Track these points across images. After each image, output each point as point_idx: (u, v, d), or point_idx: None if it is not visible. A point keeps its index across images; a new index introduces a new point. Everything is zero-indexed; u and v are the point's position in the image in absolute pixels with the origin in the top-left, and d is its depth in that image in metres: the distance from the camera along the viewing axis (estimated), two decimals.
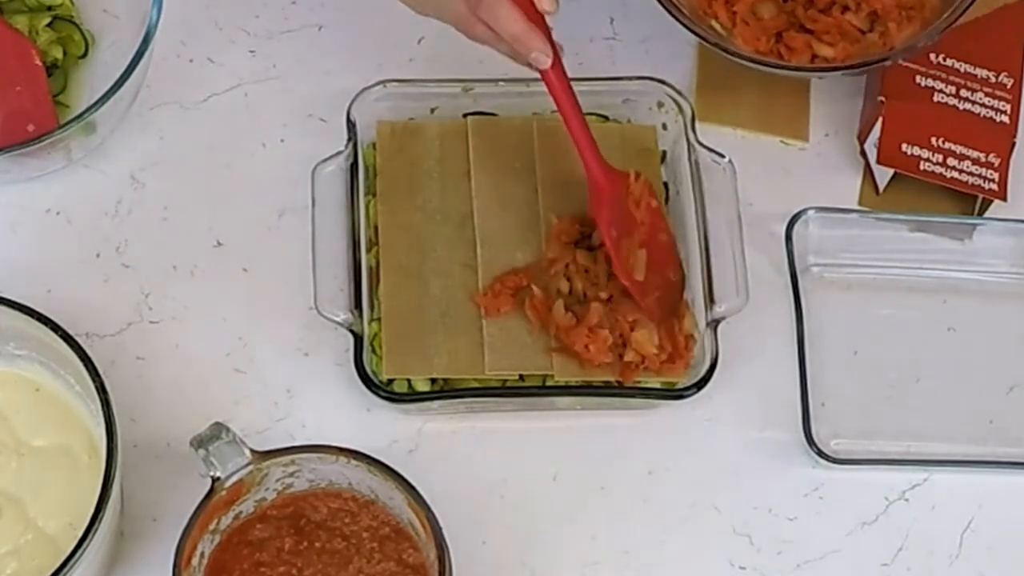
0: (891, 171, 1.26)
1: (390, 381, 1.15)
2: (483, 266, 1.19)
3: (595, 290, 1.17)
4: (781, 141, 1.29)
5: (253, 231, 1.23)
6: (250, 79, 1.28)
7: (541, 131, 1.23)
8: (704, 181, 1.20)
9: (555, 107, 1.14)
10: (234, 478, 1.05)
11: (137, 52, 1.17)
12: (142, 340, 1.19)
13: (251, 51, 1.30)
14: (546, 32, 1.11)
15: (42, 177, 1.23)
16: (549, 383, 1.16)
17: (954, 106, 1.26)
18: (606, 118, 1.25)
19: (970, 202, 1.26)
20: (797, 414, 1.16)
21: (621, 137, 1.24)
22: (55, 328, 1.06)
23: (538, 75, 1.23)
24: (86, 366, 1.05)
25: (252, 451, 1.05)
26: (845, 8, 1.26)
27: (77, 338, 1.06)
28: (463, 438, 1.17)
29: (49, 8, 1.26)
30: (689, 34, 1.25)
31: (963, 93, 1.27)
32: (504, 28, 1.08)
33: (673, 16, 1.23)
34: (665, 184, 1.23)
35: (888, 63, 1.24)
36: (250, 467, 1.05)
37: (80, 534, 1.01)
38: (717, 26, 1.27)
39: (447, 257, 1.19)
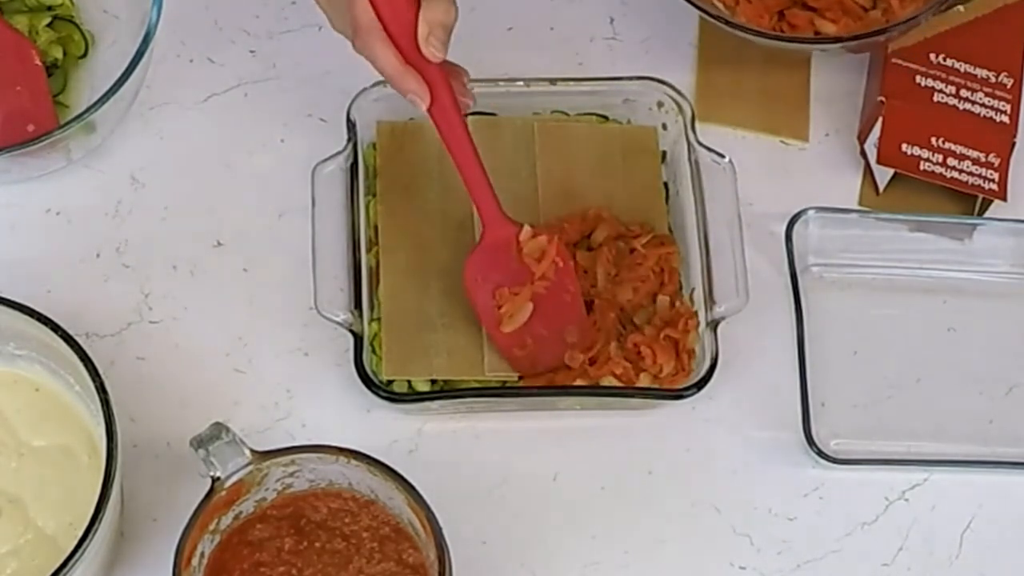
0: (891, 171, 1.26)
1: (390, 381, 1.15)
2: None
3: (594, 292, 1.17)
4: (781, 141, 1.29)
5: (253, 231, 1.23)
6: (250, 79, 1.28)
7: (541, 131, 1.23)
8: (704, 181, 1.20)
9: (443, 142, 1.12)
10: (234, 478, 1.05)
11: (137, 52, 1.17)
12: (142, 340, 1.19)
13: (251, 51, 1.30)
14: (425, 68, 1.08)
15: (42, 177, 1.23)
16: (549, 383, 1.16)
17: (954, 106, 1.26)
18: (606, 118, 1.25)
19: (970, 202, 1.26)
20: (797, 414, 1.16)
21: (621, 138, 1.24)
22: (55, 328, 1.06)
23: (538, 75, 1.24)
24: (86, 366, 1.05)
25: (252, 451, 1.05)
26: None
27: (77, 338, 1.06)
28: (463, 438, 1.17)
29: (49, 8, 1.26)
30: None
31: (963, 93, 1.27)
32: (379, 68, 1.08)
33: None
34: (665, 184, 1.23)
35: (884, 36, 1.24)
36: (250, 467, 1.05)
37: (80, 534, 1.01)
38: (720, 5, 1.26)
39: (447, 257, 1.19)
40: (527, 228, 1.15)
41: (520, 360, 1.16)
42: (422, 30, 1.07)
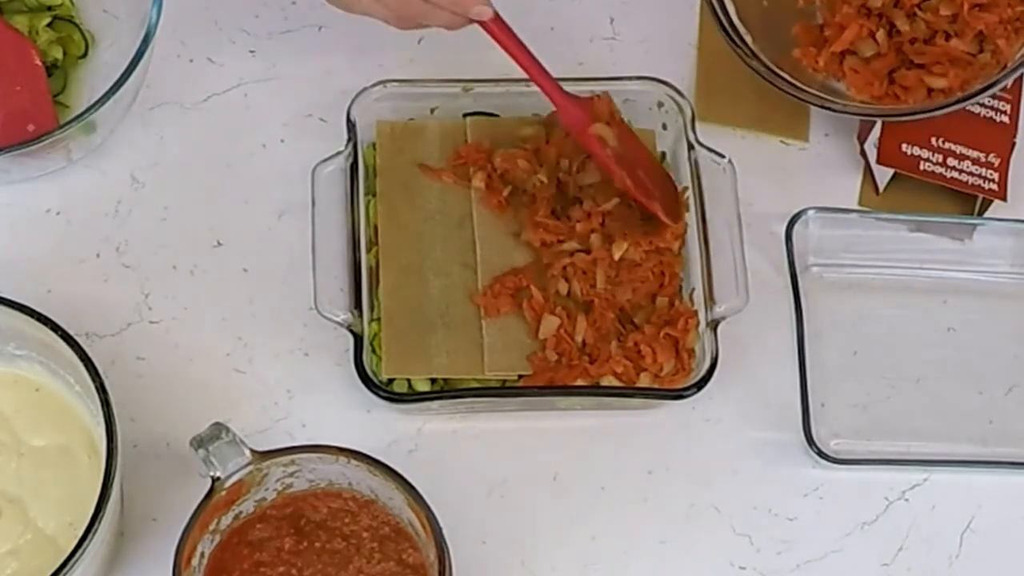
0: (891, 171, 1.26)
1: (390, 381, 1.15)
2: (482, 266, 1.19)
3: (594, 292, 1.17)
4: (781, 141, 1.29)
5: (253, 231, 1.23)
6: (250, 79, 1.28)
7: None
8: (704, 181, 1.20)
9: (512, 60, 1.17)
10: (234, 478, 1.05)
11: (137, 52, 1.17)
12: (142, 340, 1.19)
13: (251, 51, 1.30)
14: None
15: (42, 177, 1.23)
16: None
17: None
18: None
19: (970, 202, 1.26)
20: (797, 414, 1.16)
21: None
22: (55, 328, 1.06)
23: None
24: (86, 366, 1.05)
25: (252, 451, 1.05)
26: (948, 35, 1.23)
27: (77, 338, 1.06)
28: (463, 438, 1.17)
29: (49, 8, 1.26)
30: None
31: None
32: None
33: (780, 88, 1.23)
34: None
35: (1002, 85, 1.20)
36: (250, 467, 1.05)
37: (80, 534, 1.01)
38: (832, 80, 1.25)
39: (447, 257, 1.19)
40: (592, 96, 1.20)
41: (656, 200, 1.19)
42: None
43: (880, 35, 1.24)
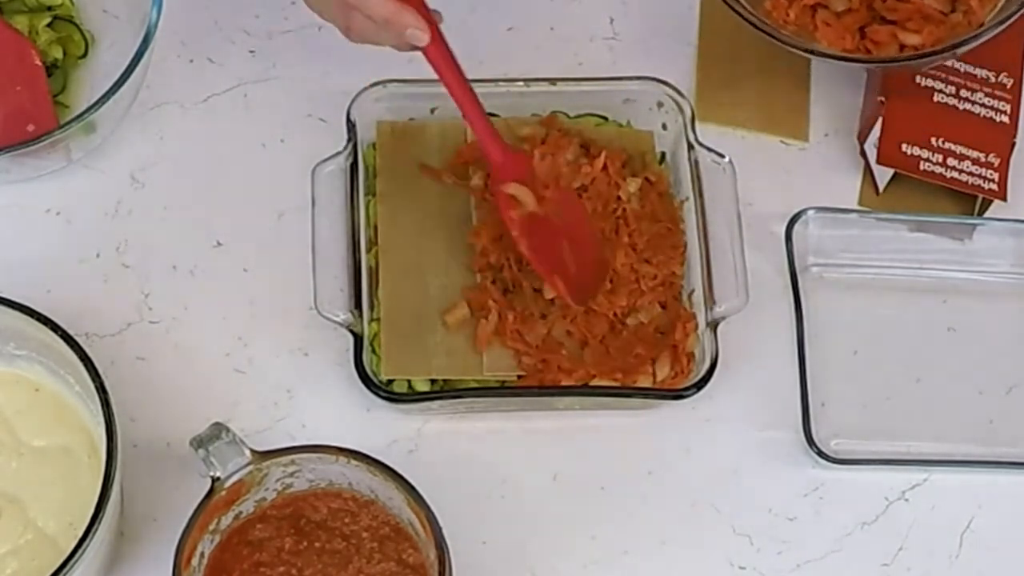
0: (891, 171, 1.26)
1: (390, 381, 1.15)
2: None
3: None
4: (781, 141, 1.29)
5: (253, 231, 1.23)
6: (250, 79, 1.28)
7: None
8: (704, 181, 1.20)
9: (443, 84, 1.14)
10: (234, 478, 1.05)
11: (137, 52, 1.18)
12: (142, 340, 1.19)
13: (251, 51, 1.30)
14: (419, 7, 1.10)
15: (42, 177, 1.23)
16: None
17: (954, 106, 1.26)
18: (605, 119, 1.25)
19: (970, 202, 1.26)
20: (797, 414, 1.16)
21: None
22: (55, 328, 1.06)
23: (538, 75, 1.23)
24: (86, 366, 1.05)
25: (252, 451, 1.05)
26: None
27: (77, 338, 1.06)
28: (463, 438, 1.17)
29: (49, 8, 1.26)
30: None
31: (963, 93, 1.27)
32: (374, 12, 1.08)
33: (757, 27, 1.22)
34: None
35: (979, 42, 1.21)
36: (250, 467, 1.05)
37: (80, 534, 1.01)
38: (803, 35, 1.25)
39: (447, 257, 1.19)
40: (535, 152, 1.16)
41: (570, 293, 1.15)
42: None
43: None
